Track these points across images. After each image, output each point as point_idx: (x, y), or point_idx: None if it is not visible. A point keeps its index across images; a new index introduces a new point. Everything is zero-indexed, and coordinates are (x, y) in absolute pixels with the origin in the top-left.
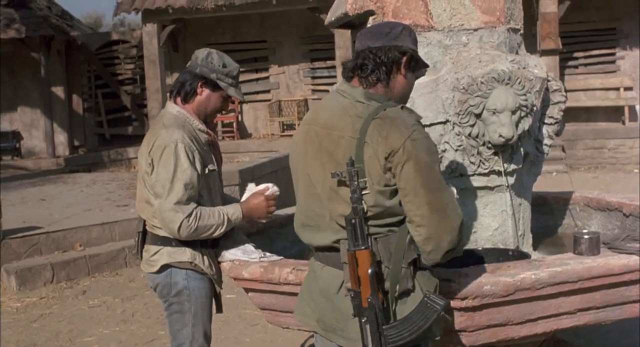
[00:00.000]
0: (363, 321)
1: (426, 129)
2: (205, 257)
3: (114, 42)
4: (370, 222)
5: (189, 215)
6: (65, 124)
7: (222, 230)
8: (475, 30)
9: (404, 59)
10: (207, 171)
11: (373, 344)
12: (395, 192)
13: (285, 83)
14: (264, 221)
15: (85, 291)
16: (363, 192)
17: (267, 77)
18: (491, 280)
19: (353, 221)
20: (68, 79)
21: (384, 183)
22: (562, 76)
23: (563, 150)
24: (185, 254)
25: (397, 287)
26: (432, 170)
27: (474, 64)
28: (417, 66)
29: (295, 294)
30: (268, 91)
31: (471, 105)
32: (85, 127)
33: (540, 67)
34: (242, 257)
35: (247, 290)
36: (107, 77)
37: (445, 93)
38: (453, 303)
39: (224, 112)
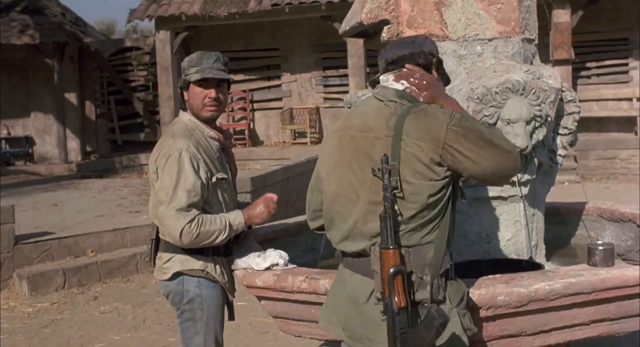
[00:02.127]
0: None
1: None
2: (217, 266)
3: (127, 48)
4: (403, 228)
5: (191, 221)
6: (78, 130)
7: (224, 236)
8: (490, 40)
9: (434, 60)
10: (214, 180)
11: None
12: (441, 189)
13: (297, 91)
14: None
15: (97, 296)
16: (395, 192)
17: (279, 85)
18: (505, 290)
19: (385, 218)
20: (81, 85)
21: (429, 177)
22: (574, 86)
23: (575, 160)
24: (197, 262)
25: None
26: (478, 132)
27: (489, 74)
28: (442, 69)
29: (308, 303)
30: (280, 99)
31: (485, 115)
32: (98, 134)
33: (554, 77)
34: (254, 265)
35: (260, 298)
36: (119, 84)
37: (460, 103)
38: None
39: (212, 100)
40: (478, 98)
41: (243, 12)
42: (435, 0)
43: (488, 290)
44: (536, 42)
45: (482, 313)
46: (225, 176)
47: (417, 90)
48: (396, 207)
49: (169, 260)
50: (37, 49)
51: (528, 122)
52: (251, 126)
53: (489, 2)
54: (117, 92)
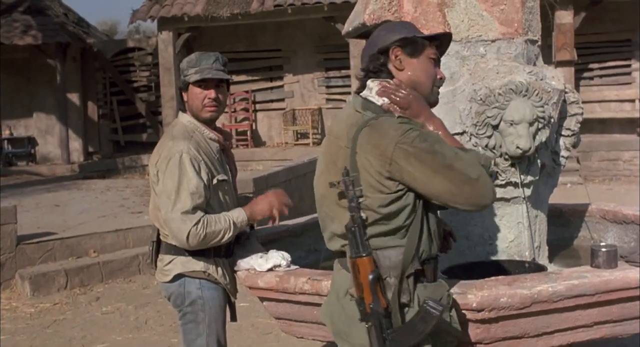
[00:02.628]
0: (367, 326)
1: None
2: (219, 267)
3: (129, 49)
4: (370, 231)
5: (197, 223)
6: (80, 131)
7: (230, 234)
8: (493, 41)
9: (391, 54)
10: (215, 181)
11: None
12: (393, 200)
13: (300, 92)
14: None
15: (99, 297)
16: (360, 200)
17: (282, 86)
18: (508, 292)
19: (353, 229)
20: (83, 85)
21: (380, 190)
22: (577, 87)
23: (578, 162)
24: (199, 264)
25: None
26: (435, 154)
27: (492, 75)
28: (417, 46)
29: (310, 304)
30: (282, 100)
31: (488, 117)
32: (100, 134)
33: (557, 78)
34: (256, 266)
35: (262, 299)
36: (122, 84)
37: (463, 104)
38: (469, 315)
39: (211, 100)
40: (481, 99)
41: (245, 13)
42: (439, 1)
43: (491, 291)
44: (539, 43)
45: (485, 315)
46: (225, 177)
47: (397, 108)
48: (362, 214)
49: (170, 262)
50: (39, 50)
51: (531, 124)
52: (253, 127)
53: (492, 3)
54: (119, 92)
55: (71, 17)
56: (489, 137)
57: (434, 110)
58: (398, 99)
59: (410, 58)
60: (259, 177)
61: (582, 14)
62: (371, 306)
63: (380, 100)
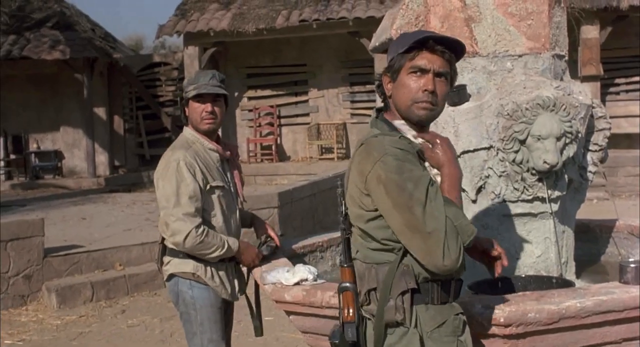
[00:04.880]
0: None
1: (469, 155)
2: (208, 268)
3: (155, 64)
4: (366, 245)
5: (197, 227)
6: (106, 144)
7: (220, 253)
8: (520, 56)
9: (383, 82)
10: (208, 187)
11: None
12: (371, 219)
13: (325, 107)
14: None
15: (125, 310)
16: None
17: (307, 101)
18: (536, 307)
19: (343, 239)
20: (110, 100)
21: (359, 205)
22: (603, 102)
23: (604, 177)
24: (189, 265)
25: (384, 317)
26: (402, 190)
27: (519, 90)
28: (395, 69)
29: (337, 318)
30: (307, 115)
31: (516, 132)
32: (126, 148)
33: (585, 93)
34: (283, 280)
35: (289, 313)
36: (148, 99)
37: (490, 119)
38: (496, 330)
39: (208, 113)
40: (508, 114)
41: (271, 28)
42: (465, 16)
43: (518, 307)
44: (566, 58)
45: (513, 330)
46: (221, 183)
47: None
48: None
49: (168, 263)
50: (67, 64)
51: (558, 139)
52: (278, 141)
53: (519, 18)
54: (145, 107)
55: (98, 33)
56: (516, 152)
57: (461, 125)
58: (432, 157)
59: (393, 83)
60: (284, 191)
61: (608, 28)
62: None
63: (413, 138)
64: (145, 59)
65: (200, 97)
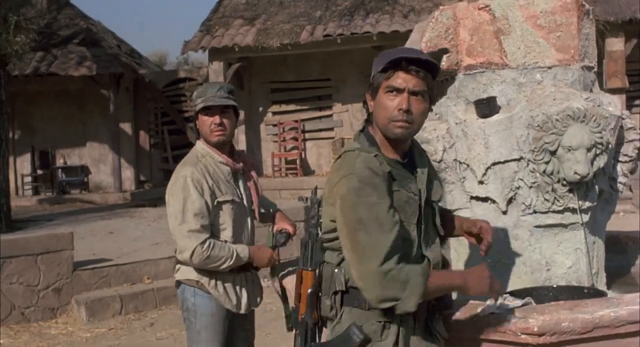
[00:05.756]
0: (296, 333)
1: (500, 166)
2: (213, 279)
3: (180, 79)
4: (327, 249)
5: (203, 243)
6: (132, 160)
7: (230, 263)
8: (550, 68)
9: (367, 94)
10: (216, 202)
11: None
12: (333, 229)
13: (349, 121)
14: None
15: (153, 323)
16: (320, 220)
17: (331, 115)
18: (569, 317)
19: (307, 243)
20: (135, 115)
21: (327, 215)
22: None
23: (630, 190)
24: (193, 273)
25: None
26: (354, 212)
27: (549, 102)
28: (374, 86)
29: None
30: (331, 129)
31: (546, 143)
32: (152, 163)
33: (614, 104)
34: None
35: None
36: (173, 114)
37: (520, 130)
38: (530, 339)
39: (216, 125)
40: (539, 125)
41: (295, 43)
42: (495, 29)
43: (552, 316)
44: (595, 69)
45: (547, 339)
46: (230, 198)
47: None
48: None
49: (177, 270)
50: (93, 80)
51: (589, 149)
52: (303, 156)
53: (548, 30)
54: (170, 122)
55: (124, 49)
56: (547, 163)
57: (491, 136)
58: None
59: (373, 100)
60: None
61: (633, 40)
62: (303, 316)
63: None
64: (170, 74)
65: (208, 110)
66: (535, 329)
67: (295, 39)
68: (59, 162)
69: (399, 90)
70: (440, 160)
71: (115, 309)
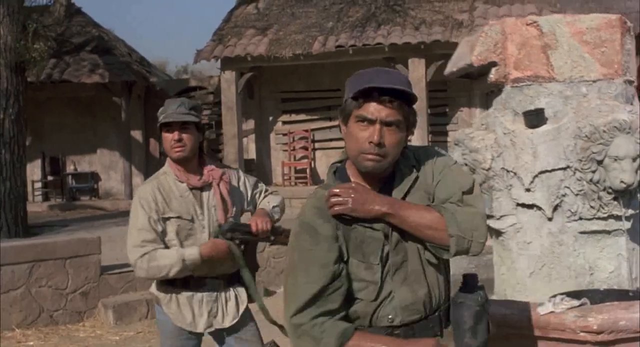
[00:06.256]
0: None
1: (547, 175)
2: (169, 294)
3: (191, 88)
4: None
5: (142, 256)
6: (142, 167)
7: (177, 269)
8: (594, 81)
9: (339, 118)
10: (161, 219)
11: None
12: None
13: None
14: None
15: None
16: None
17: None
18: (626, 316)
19: None
20: (146, 123)
21: None
22: None
23: None
24: (154, 289)
25: None
26: (291, 254)
27: (595, 114)
28: (345, 112)
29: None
30: (341, 139)
31: (594, 152)
32: None
33: None
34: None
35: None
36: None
37: (567, 140)
38: (589, 337)
39: (175, 142)
40: (586, 136)
41: (308, 54)
42: (542, 44)
43: (610, 315)
44: (635, 83)
45: (605, 337)
46: (175, 215)
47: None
48: None
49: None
50: (105, 88)
51: (634, 159)
52: (312, 165)
53: (593, 46)
54: None
55: (134, 57)
56: (593, 172)
57: (539, 146)
58: (337, 210)
59: (345, 126)
60: None
61: None
62: None
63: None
64: (181, 83)
65: (168, 126)
66: (595, 327)
67: (308, 50)
68: (69, 168)
69: (370, 121)
70: (489, 169)
71: (141, 313)
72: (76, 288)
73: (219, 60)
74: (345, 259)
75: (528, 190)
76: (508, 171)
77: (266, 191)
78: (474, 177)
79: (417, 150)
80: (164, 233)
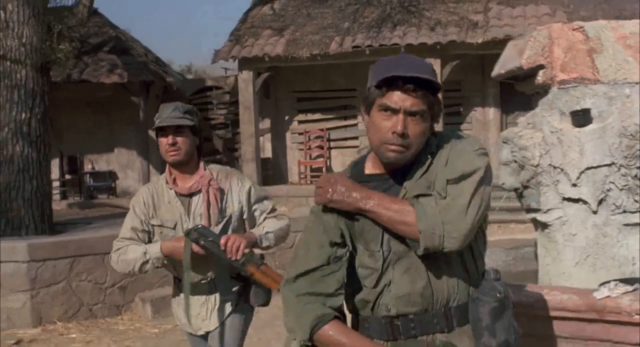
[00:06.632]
0: None
1: (593, 171)
2: (172, 296)
3: (207, 88)
4: None
5: (116, 250)
6: (159, 166)
7: (140, 264)
8: (637, 83)
9: (361, 107)
10: (150, 224)
11: None
12: None
13: None
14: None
15: None
16: None
17: (356, 125)
18: None
19: None
20: None
21: None
22: None
23: None
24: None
25: None
26: (303, 231)
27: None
28: (369, 99)
29: None
30: (356, 138)
31: (638, 150)
32: None
33: None
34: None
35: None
36: (200, 122)
37: (612, 139)
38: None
39: (169, 146)
40: (631, 134)
41: (325, 54)
42: (588, 48)
43: None
44: None
45: None
46: (159, 223)
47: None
48: None
49: None
50: (124, 88)
51: None
52: (328, 164)
53: (635, 50)
54: None
55: (150, 57)
56: (638, 168)
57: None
58: (317, 200)
59: (368, 115)
60: None
61: None
62: None
63: None
64: (197, 83)
65: (163, 130)
66: None
67: (325, 50)
68: (87, 167)
69: (393, 110)
70: (537, 165)
71: None
72: (114, 282)
73: (220, 59)
74: (349, 247)
75: (574, 185)
76: (555, 167)
77: (272, 211)
78: (478, 166)
79: (442, 135)
80: (152, 236)
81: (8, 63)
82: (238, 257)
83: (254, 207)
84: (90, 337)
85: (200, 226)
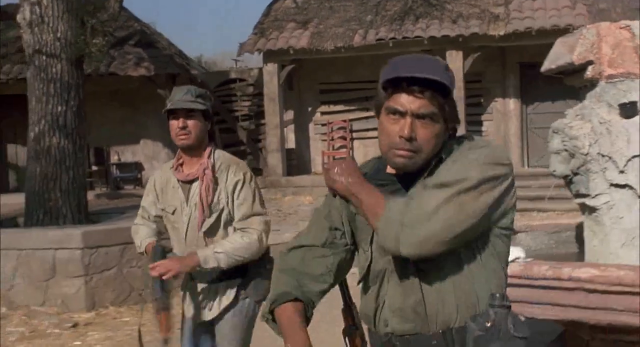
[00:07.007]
0: None
1: (638, 158)
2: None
3: (231, 80)
4: None
5: (134, 225)
6: None
7: (138, 252)
8: None
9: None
10: (155, 205)
11: None
12: None
13: None
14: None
15: None
16: None
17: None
18: None
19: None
20: None
21: None
22: None
23: None
24: None
25: None
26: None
27: None
28: (378, 101)
29: (549, 288)
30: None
31: None
32: None
33: None
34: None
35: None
36: (224, 114)
37: None
38: None
39: (180, 129)
40: None
41: (349, 47)
42: (634, 45)
43: None
44: None
45: None
46: (162, 207)
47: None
48: None
49: None
50: (150, 80)
51: None
52: (351, 154)
53: None
54: (221, 121)
55: (174, 50)
56: None
57: (632, 135)
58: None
59: (378, 118)
60: None
61: None
62: None
63: None
64: (221, 75)
65: (173, 113)
66: None
67: (349, 43)
68: (114, 158)
69: (401, 113)
70: (587, 154)
71: None
72: None
73: (245, 52)
74: (349, 241)
75: (622, 172)
76: (603, 156)
77: (245, 218)
78: (470, 175)
79: (459, 140)
80: (158, 217)
81: (44, 57)
82: (165, 285)
83: (235, 204)
84: (143, 320)
85: (161, 246)
